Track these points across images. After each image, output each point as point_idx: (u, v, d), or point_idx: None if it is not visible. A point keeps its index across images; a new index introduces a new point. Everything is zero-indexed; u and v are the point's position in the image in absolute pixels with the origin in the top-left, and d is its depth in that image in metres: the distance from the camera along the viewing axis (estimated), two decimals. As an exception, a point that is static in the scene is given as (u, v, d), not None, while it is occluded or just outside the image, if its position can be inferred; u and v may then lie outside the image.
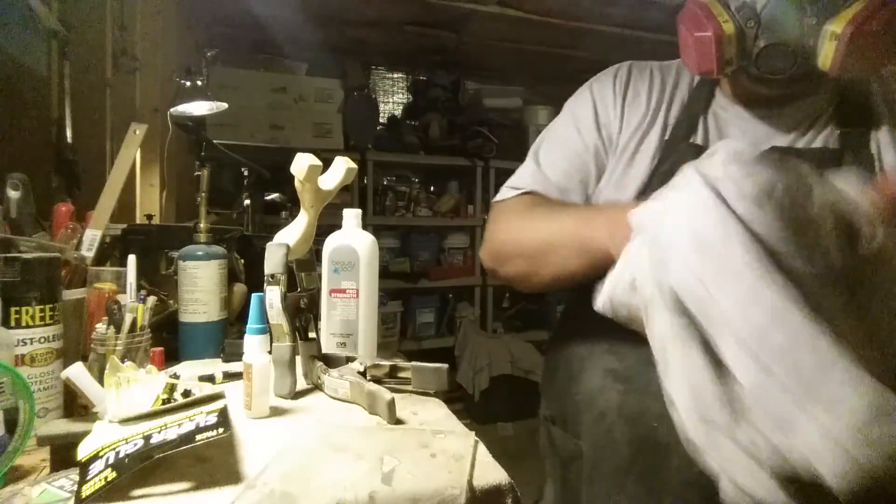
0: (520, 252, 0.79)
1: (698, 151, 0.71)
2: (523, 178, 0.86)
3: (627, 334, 0.62)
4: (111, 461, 0.53)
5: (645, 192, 0.77)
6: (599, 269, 0.63)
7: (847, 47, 0.62)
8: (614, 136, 0.82)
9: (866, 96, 0.72)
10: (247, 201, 2.17)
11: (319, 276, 0.89)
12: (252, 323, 0.74)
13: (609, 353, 0.75)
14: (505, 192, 0.88)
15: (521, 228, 0.79)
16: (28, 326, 0.70)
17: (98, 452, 0.55)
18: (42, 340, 0.72)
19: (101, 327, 0.79)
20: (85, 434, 0.59)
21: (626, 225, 0.59)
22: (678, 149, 0.77)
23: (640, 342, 0.58)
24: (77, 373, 0.66)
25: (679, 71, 0.87)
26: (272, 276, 0.79)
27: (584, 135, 0.84)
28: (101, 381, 0.66)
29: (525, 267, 0.80)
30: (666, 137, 0.79)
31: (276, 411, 0.74)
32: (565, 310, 1.00)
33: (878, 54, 0.63)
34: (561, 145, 0.86)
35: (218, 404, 0.62)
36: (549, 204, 0.81)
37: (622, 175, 0.81)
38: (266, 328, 0.76)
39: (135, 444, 0.55)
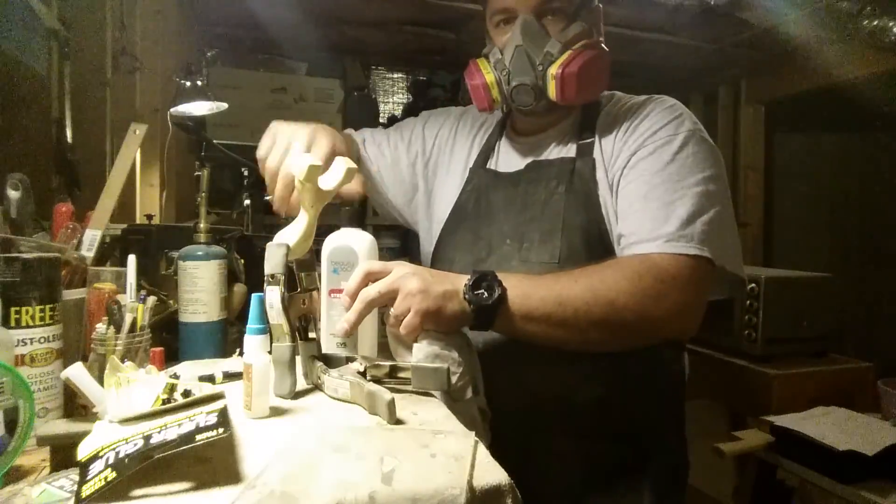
0: None
1: (489, 174, 1.03)
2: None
3: None
4: (111, 461, 0.53)
5: (456, 208, 1.03)
6: None
7: (560, 83, 0.92)
8: (429, 148, 1.13)
9: (592, 117, 1.00)
10: (247, 201, 2.17)
11: (319, 275, 0.89)
12: (252, 323, 0.74)
13: None
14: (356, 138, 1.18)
15: None
16: (28, 326, 0.70)
17: (98, 452, 0.55)
18: (42, 340, 0.72)
19: (101, 327, 0.79)
20: (85, 434, 0.59)
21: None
22: (478, 173, 1.04)
23: None
24: (77, 373, 0.66)
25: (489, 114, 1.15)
26: (272, 276, 0.79)
27: (410, 134, 1.15)
28: (101, 381, 0.66)
29: None
30: (470, 165, 1.06)
31: (276, 411, 0.74)
32: None
33: (582, 85, 0.92)
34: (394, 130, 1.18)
35: (218, 404, 0.61)
36: None
37: (439, 192, 1.07)
38: (266, 328, 0.76)
39: (135, 444, 0.55)
